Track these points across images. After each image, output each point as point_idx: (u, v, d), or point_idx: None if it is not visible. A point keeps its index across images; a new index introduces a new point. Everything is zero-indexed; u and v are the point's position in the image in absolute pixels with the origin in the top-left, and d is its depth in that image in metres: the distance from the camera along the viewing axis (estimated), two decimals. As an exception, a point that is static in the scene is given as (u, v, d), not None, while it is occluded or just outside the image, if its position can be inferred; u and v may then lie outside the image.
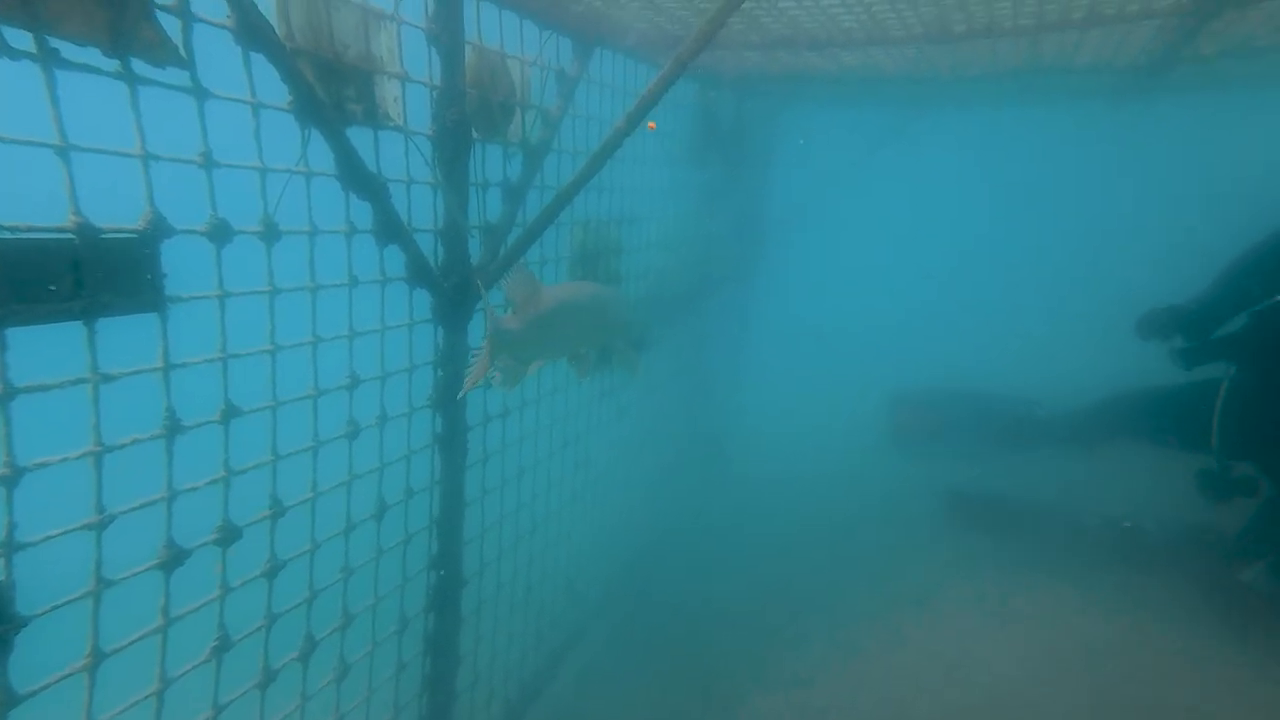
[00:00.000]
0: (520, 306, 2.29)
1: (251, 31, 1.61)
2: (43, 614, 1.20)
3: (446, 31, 2.26)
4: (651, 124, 3.74)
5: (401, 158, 2.29)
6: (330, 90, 1.96)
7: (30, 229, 1.20)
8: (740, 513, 5.02)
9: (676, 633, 3.78)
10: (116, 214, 1.45)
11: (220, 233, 1.63)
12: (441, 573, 2.60)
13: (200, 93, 1.55)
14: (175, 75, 1.50)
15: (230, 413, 1.67)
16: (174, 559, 1.45)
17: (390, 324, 2.36)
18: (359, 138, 2.07)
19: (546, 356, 2.46)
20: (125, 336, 1.52)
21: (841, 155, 6.46)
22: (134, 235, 1.40)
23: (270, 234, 1.79)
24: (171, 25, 1.47)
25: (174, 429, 1.49)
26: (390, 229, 2.22)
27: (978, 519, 4.28)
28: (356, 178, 2.03)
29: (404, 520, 2.44)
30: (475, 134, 2.58)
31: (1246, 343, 3.42)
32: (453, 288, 2.53)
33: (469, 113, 2.42)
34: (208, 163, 1.59)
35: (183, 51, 1.48)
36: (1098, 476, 4.31)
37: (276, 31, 1.68)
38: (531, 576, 3.27)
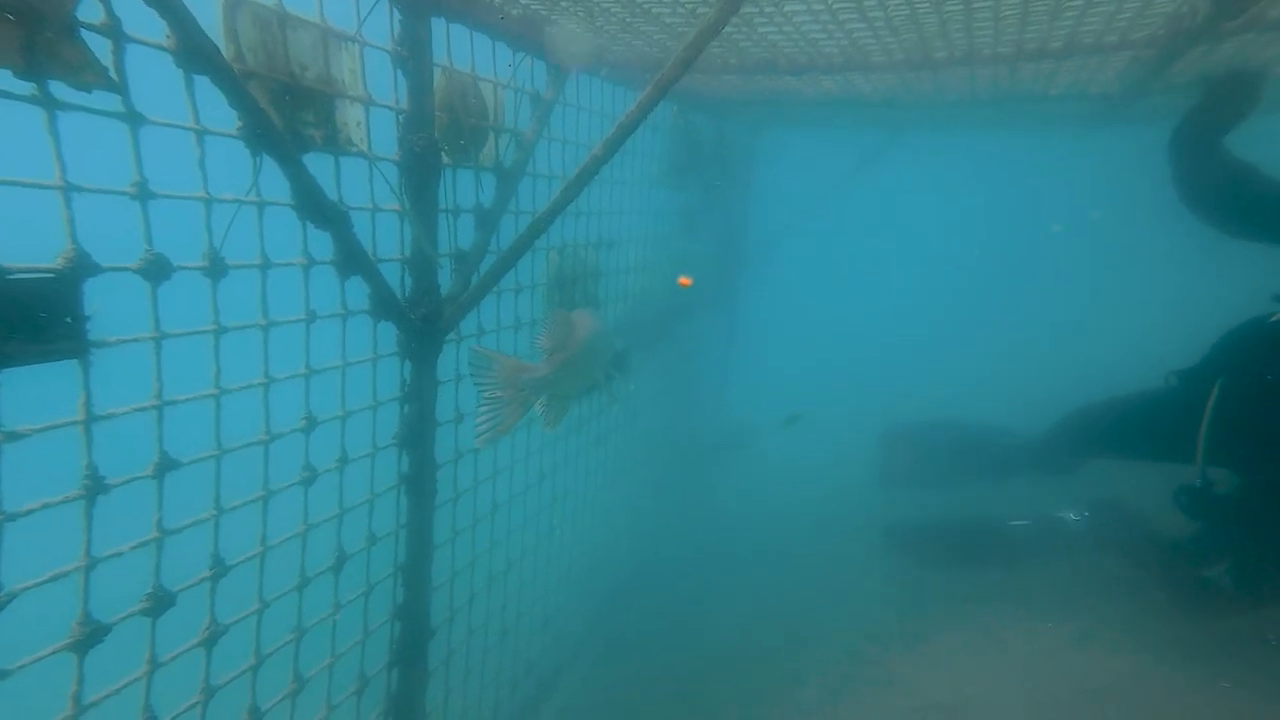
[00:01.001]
0: (558, 349, 2.35)
1: (194, 52, 1.48)
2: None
3: (413, 54, 2.16)
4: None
5: (365, 184, 2.17)
6: (286, 115, 1.84)
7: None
8: (725, 540, 4.90)
9: (658, 669, 3.62)
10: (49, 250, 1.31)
11: (157, 270, 1.49)
12: (407, 623, 2.43)
13: (134, 118, 1.42)
14: (105, 99, 1.37)
15: (165, 466, 1.52)
16: (89, 637, 1.29)
17: (352, 359, 2.23)
18: (318, 164, 1.95)
19: (578, 391, 2.53)
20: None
21: (822, 177, 6.45)
22: (50, 275, 1.25)
23: (216, 269, 1.66)
24: (101, 45, 1.34)
25: (96, 489, 1.33)
26: (352, 260, 2.09)
27: (933, 549, 4.19)
28: (314, 207, 1.90)
29: (366, 569, 2.28)
30: (445, 159, 2.48)
31: (1242, 351, 3.36)
32: (421, 319, 2.41)
33: (438, 137, 2.31)
34: (142, 194, 1.46)
35: (113, 74, 1.35)
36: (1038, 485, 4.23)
37: (223, 52, 1.56)
38: (506, 619, 3.10)
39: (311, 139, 1.92)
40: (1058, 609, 3.56)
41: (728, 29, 2.64)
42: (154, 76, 1.60)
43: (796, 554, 4.56)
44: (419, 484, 2.50)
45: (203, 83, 1.57)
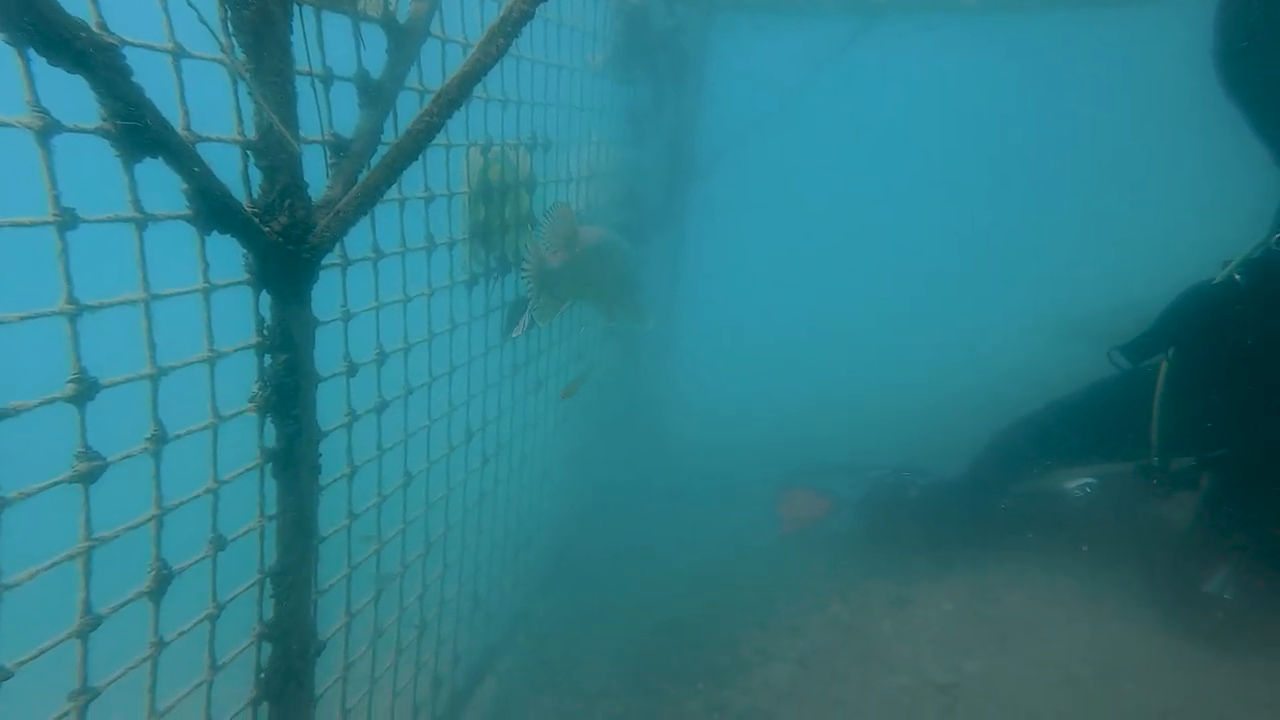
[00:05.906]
0: (562, 244, 2.35)
1: None
2: None
3: None
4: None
5: (159, 14, 1.39)
6: None
7: None
8: (679, 497, 4.42)
9: (608, 645, 3.18)
10: None
11: None
12: (280, 643, 1.82)
13: None
14: None
15: None
16: None
17: (166, 291, 1.50)
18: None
19: (579, 298, 2.54)
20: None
21: (783, 73, 5.68)
22: None
23: None
24: None
25: None
26: (143, 131, 1.33)
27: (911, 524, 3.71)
28: (44, 28, 1.12)
29: (211, 583, 1.64)
30: (301, -9, 1.68)
31: (1189, 323, 2.98)
32: (284, 232, 1.67)
33: (281, -54, 1.51)
34: None
35: None
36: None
37: None
38: (425, 610, 2.53)
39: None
40: (1063, 568, 3.24)
41: None
42: None
43: (755, 513, 4.07)
44: (292, 461, 1.83)
45: None
